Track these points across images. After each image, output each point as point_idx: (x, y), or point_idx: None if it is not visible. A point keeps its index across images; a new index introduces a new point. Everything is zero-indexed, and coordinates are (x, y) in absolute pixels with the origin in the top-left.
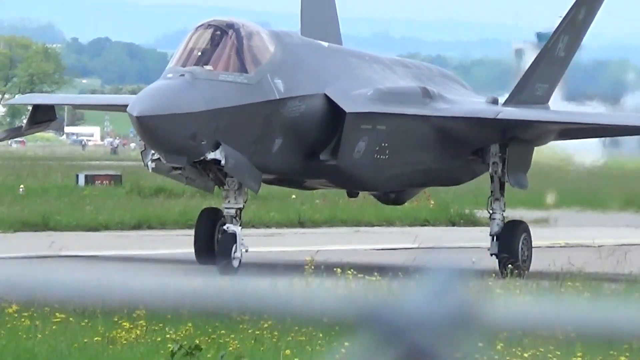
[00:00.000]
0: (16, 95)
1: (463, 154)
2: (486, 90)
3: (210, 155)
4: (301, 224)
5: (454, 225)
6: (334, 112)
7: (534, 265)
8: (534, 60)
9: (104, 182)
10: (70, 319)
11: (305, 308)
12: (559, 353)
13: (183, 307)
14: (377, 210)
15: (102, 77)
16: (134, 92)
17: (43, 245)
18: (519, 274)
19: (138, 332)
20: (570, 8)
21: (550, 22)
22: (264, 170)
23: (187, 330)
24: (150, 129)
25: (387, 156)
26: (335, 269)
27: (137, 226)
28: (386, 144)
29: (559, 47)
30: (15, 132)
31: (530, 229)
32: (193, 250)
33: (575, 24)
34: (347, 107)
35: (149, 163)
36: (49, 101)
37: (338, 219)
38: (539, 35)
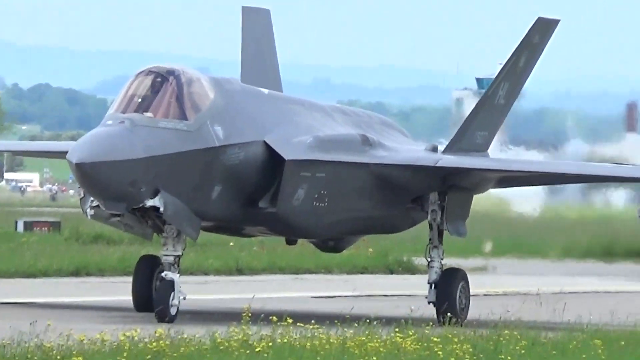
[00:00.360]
0: None
1: (402, 202)
2: (426, 137)
3: (149, 203)
4: (239, 272)
5: (392, 273)
6: (273, 160)
7: (472, 314)
8: (474, 107)
9: (43, 228)
10: None
11: None
12: None
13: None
14: (316, 257)
15: (41, 123)
16: (73, 139)
17: None
18: (456, 322)
19: None
20: (511, 55)
21: (491, 68)
22: (203, 218)
23: None
24: (89, 176)
25: (326, 204)
26: (273, 318)
27: (76, 273)
28: (325, 192)
29: (499, 95)
30: None
31: (469, 277)
32: (131, 298)
33: (515, 72)
34: (287, 154)
35: (88, 210)
36: None
37: (276, 266)
38: (479, 82)
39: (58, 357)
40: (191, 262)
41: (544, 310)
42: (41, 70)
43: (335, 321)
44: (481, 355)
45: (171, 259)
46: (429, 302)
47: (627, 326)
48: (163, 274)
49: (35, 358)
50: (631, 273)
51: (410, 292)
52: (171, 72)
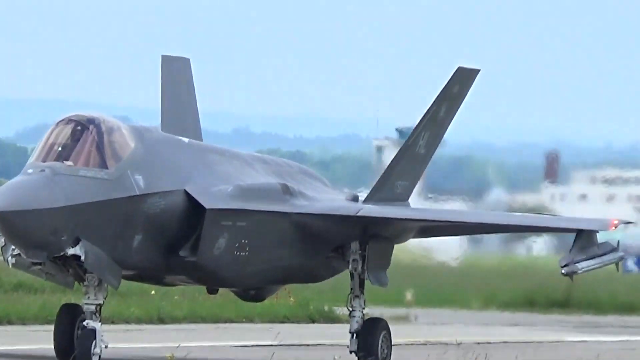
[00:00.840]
0: None
1: (323, 251)
2: (346, 186)
3: (70, 251)
4: (161, 320)
5: (314, 322)
6: (194, 208)
7: None
8: (395, 157)
9: None
10: None
11: None
12: None
13: None
14: (237, 306)
15: None
16: None
17: None
18: None
19: None
20: (431, 105)
21: (411, 118)
22: (124, 266)
23: None
24: (10, 224)
25: (247, 253)
26: None
27: None
28: (246, 241)
29: (419, 144)
30: None
31: (390, 327)
32: (52, 346)
33: (436, 121)
34: (207, 203)
35: (9, 258)
36: None
37: (198, 315)
38: (400, 131)
39: None
40: (113, 311)
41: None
42: None
43: None
44: None
45: (92, 307)
46: (350, 352)
47: None
48: (84, 323)
49: None
50: (553, 323)
51: (332, 341)
52: (91, 121)
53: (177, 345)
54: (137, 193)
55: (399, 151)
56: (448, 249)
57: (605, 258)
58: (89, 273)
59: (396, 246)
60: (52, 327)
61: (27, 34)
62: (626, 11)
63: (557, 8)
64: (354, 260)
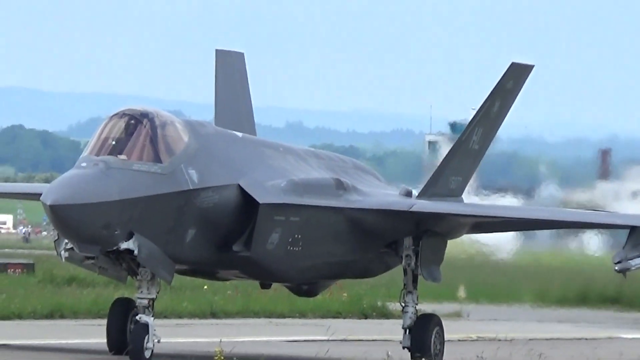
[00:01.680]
0: None
1: (376, 247)
2: (400, 181)
3: (124, 245)
4: (213, 315)
5: (366, 317)
6: (247, 203)
7: (446, 359)
8: (448, 152)
9: (16, 270)
10: None
11: None
12: None
13: None
14: (290, 301)
15: (15, 165)
16: (47, 181)
17: None
18: None
19: None
20: (485, 100)
21: (464, 113)
22: (177, 261)
23: None
24: (64, 218)
25: (300, 248)
26: None
27: (50, 315)
28: (299, 236)
29: (473, 140)
30: None
31: (443, 323)
32: (105, 340)
33: (489, 117)
34: (261, 198)
35: (62, 252)
36: None
37: (250, 310)
38: (453, 126)
39: None
40: (165, 305)
41: (517, 356)
42: (14, 111)
43: None
44: None
45: (145, 302)
46: (403, 347)
47: None
48: (137, 317)
49: None
50: (605, 319)
51: (385, 337)
52: (145, 115)
53: (219, 340)
54: (191, 187)
55: (453, 146)
56: (501, 245)
57: None
58: (142, 267)
59: (449, 241)
60: (104, 321)
61: (80, 28)
62: None
63: (612, 3)
64: (407, 255)
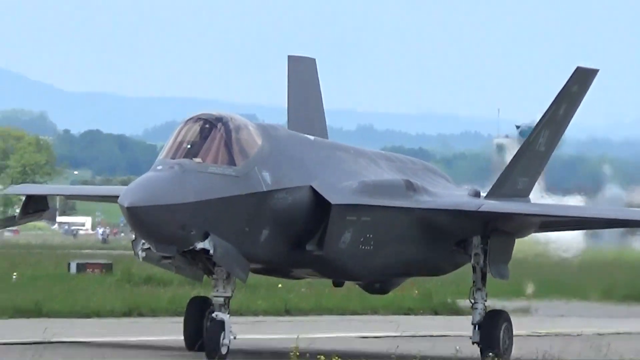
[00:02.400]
0: (9, 186)
1: (446, 245)
2: (468, 182)
3: (200, 245)
4: (287, 312)
5: (436, 314)
6: (320, 204)
7: (515, 354)
8: (515, 154)
9: (95, 270)
10: None
11: None
12: None
13: None
14: (362, 299)
15: (92, 168)
16: (124, 183)
17: (37, 332)
18: None
19: None
20: (551, 104)
21: (531, 116)
22: (252, 260)
23: None
24: (141, 219)
25: (371, 247)
26: (319, 356)
27: (128, 313)
28: (371, 235)
29: (539, 142)
30: (8, 222)
31: (511, 318)
32: (182, 337)
33: (556, 120)
34: (333, 199)
35: (140, 252)
36: (41, 191)
37: (324, 307)
38: (519, 129)
39: None
40: (240, 303)
41: (587, 350)
42: (92, 117)
43: None
44: None
45: (221, 300)
46: (473, 343)
47: None
48: (214, 315)
49: None
50: None
51: (455, 332)
52: (219, 119)
53: (297, 336)
54: (265, 189)
55: (520, 148)
56: (567, 243)
57: None
58: (218, 266)
59: (517, 240)
60: (182, 319)
61: (155, 34)
62: None
63: None
64: (476, 254)
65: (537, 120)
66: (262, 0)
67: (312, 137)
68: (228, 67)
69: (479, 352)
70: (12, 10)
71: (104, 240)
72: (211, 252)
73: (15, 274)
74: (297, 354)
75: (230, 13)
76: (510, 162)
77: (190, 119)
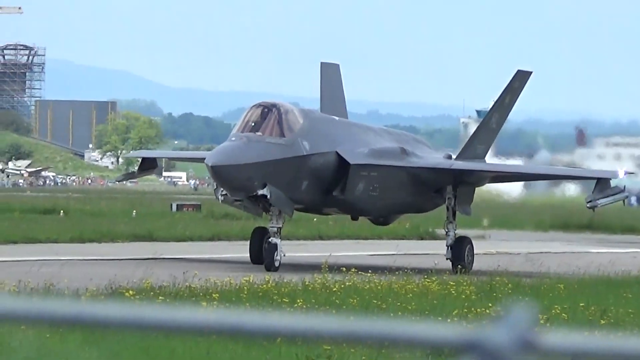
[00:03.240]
0: (130, 151)
1: (428, 192)
2: (443, 149)
3: (260, 192)
4: (320, 238)
5: (422, 239)
6: (342, 163)
7: (476, 266)
8: (475, 130)
9: (189, 209)
10: None
11: (404, 334)
12: None
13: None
14: (371, 229)
15: (187, 139)
16: (209, 150)
17: (150, 251)
18: (465, 272)
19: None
20: (500, 95)
21: (486, 103)
22: (296, 202)
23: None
24: (221, 174)
25: (377, 193)
26: (342, 268)
27: (211, 238)
28: (377, 185)
29: (492, 121)
30: (130, 176)
31: (473, 242)
32: (248, 255)
33: (503, 106)
34: (352, 160)
35: (219, 196)
36: (152, 155)
37: (345, 234)
38: (478, 112)
39: (201, 294)
40: (288, 231)
41: (524, 264)
42: (187, 103)
43: (385, 271)
44: (481, 294)
45: (275, 229)
46: (446, 259)
47: (579, 275)
48: (270, 239)
49: (185, 295)
50: (580, 240)
51: (434, 252)
52: (274, 105)
53: (329, 254)
54: (305, 154)
55: (478, 126)
56: (511, 190)
57: (616, 197)
58: (273, 206)
59: (477, 188)
60: (248, 242)
61: (232, 42)
62: None
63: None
64: (448, 198)
65: (490, 106)
66: (291, 16)
67: (337, 118)
68: (282, 68)
69: (451, 265)
70: (129, 23)
71: (195, 188)
72: (268, 197)
73: (134, 211)
74: (327, 266)
75: (277, 26)
76: (472, 135)
77: (254, 105)
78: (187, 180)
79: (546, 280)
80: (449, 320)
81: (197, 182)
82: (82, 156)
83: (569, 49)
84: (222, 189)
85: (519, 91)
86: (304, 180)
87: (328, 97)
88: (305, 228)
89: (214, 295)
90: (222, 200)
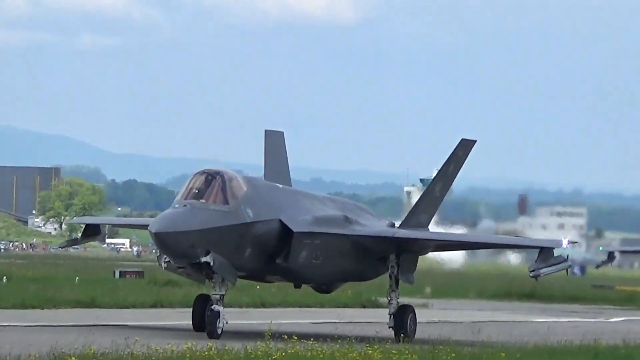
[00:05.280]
0: (74, 217)
1: (371, 260)
2: (386, 217)
3: (203, 259)
4: (263, 305)
5: (364, 307)
6: (285, 231)
7: (418, 335)
8: (419, 198)
9: (132, 275)
10: None
11: None
12: None
13: None
14: (314, 296)
15: (130, 205)
16: (152, 216)
17: (91, 318)
18: (408, 340)
19: None
20: (444, 164)
21: (430, 172)
22: (238, 269)
23: None
24: (164, 241)
25: (320, 261)
26: (285, 336)
27: (154, 305)
28: (320, 253)
29: (436, 190)
30: (73, 242)
31: (416, 310)
32: (191, 322)
33: (446, 174)
34: (295, 228)
35: (162, 263)
36: (95, 221)
37: (288, 302)
38: (422, 181)
39: None
40: (231, 299)
41: (466, 333)
42: (130, 170)
43: (327, 339)
44: None
45: (218, 296)
46: (389, 327)
47: (522, 343)
48: (212, 307)
49: None
50: (523, 309)
51: (377, 320)
52: (218, 172)
53: (270, 321)
54: (248, 221)
55: (422, 194)
56: (454, 259)
57: (559, 266)
58: (216, 274)
59: (420, 257)
60: (190, 310)
61: (173, 109)
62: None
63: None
64: (392, 266)
65: (434, 175)
66: (239, 83)
67: (280, 185)
68: (224, 136)
69: (394, 334)
70: (73, 89)
71: (138, 255)
72: (211, 264)
73: (77, 277)
74: (270, 334)
75: (228, 95)
76: (415, 203)
77: (198, 172)
78: (130, 247)
79: (488, 349)
80: None
81: (140, 249)
82: (26, 222)
83: (512, 118)
84: (165, 255)
85: (463, 159)
86: (247, 247)
87: (272, 164)
88: (248, 295)
89: None
90: (165, 267)
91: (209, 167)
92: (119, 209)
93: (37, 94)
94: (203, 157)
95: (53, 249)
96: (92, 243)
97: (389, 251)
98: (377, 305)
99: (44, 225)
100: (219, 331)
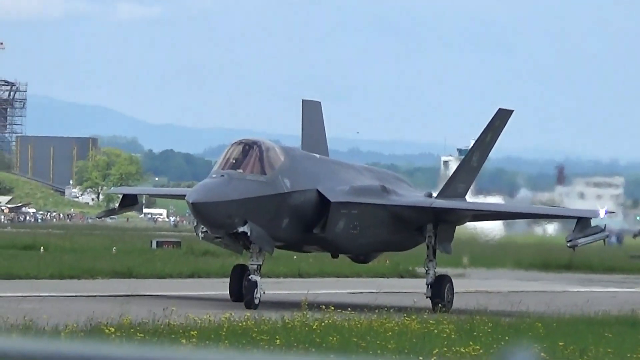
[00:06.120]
0: (111, 188)
1: (409, 230)
2: (424, 187)
3: (241, 229)
4: (300, 275)
5: (402, 277)
6: (323, 201)
7: (455, 305)
8: (456, 168)
9: (169, 246)
10: None
11: None
12: None
13: None
14: (351, 266)
15: (168, 176)
16: (189, 186)
17: (129, 288)
18: (445, 310)
19: None
20: (481, 133)
21: (467, 142)
22: (276, 239)
23: None
24: (201, 211)
25: (358, 231)
26: (322, 306)
27: (191, 275)
28: (357, 223)
29: (473, 160)
30: (110, 212)
31: (453, 280)
32: (228, 292)
33: (484, 144)
34: (332, 198)
35: (200, 234)
36: (133, 192)
37: (325, 272)
38: (460, 151)
39: (180, 331)
40: (268, 269)
41: (503, 303)
42: (168, 141)
43: (364, 309)
44: (461, 333)
45: (255, 266)
46: (426, 297)
47: (558, 313)
48: (250, 277)
49: (164, 332)
50: (560, 279)
51: (414, 290)
52: (255, 143)
53: (307, 291)
54: (285, 191)
55: (459, 164)
56: (491, 229)
57: (597, 236)
58: (253, 244)
59: (457, 227)
60: (228, 279)
61: (211, 80)
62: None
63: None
64: (429, 236)
65: (471, 145)
66: (276, 53)
67: (318, 156)
68: (265, 106)
69: (431, 304)
70: (110, 59)
71: (175, 225)
72: (249, 234)
73: (114, 247)
74: (307, 304)
75: (261, 65)
76: (452, 174)
77: (235, 142)
78: (168, 217)
79: (525, 319)
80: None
81: (178, 219)
82: (63, 192)
83: (550, 88)
84: (202, 226)
85: (500, 130)
86: (285, 217)
87: (309, 135)
88: (285, 266)
89: (192, 332)
90: (202, 238)
91: (246, 137)
92: (156, 179)
93: (74, 64)
94: (240, 127)
95: (90, 219)
96: (129, 213)
97: (426, 221)
98: (414, 275)
99: (81, 195)
100: (257, 301)
